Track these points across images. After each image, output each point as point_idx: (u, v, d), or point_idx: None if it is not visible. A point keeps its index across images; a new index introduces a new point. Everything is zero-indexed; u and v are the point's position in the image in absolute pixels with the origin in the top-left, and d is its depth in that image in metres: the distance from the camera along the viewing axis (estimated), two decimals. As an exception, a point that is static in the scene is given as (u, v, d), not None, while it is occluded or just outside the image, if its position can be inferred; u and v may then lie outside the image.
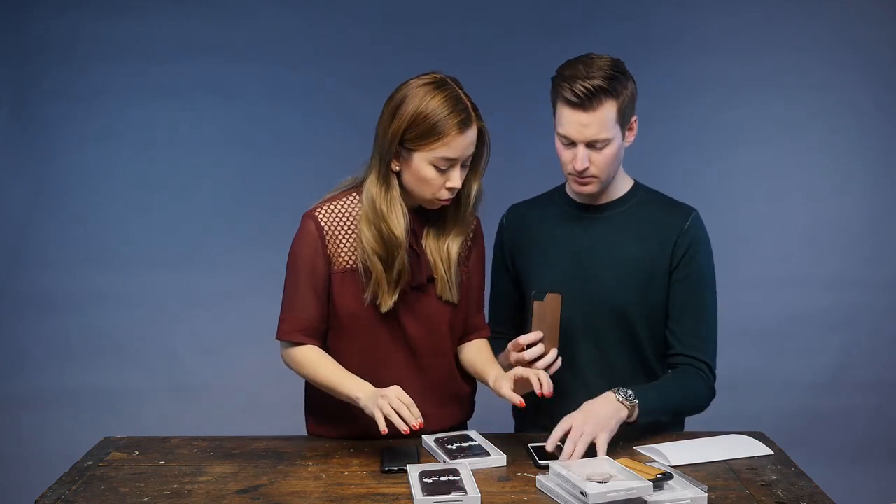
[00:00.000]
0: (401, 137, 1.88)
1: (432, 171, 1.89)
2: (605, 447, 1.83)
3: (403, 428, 1.79)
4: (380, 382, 1.91)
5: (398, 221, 1.93)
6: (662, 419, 2.03)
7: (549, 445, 1.86)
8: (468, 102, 1.90)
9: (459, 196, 1.98)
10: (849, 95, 3.43)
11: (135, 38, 3.42)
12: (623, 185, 2.12)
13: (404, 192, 1.96)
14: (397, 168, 1.93)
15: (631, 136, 2.05)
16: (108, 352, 3.46)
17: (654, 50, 3.38)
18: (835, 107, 3.44)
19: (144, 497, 1.71)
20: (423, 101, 1.86)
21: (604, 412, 1.88)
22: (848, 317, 3.46)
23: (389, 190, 1.93)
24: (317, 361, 1.96)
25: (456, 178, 1.90)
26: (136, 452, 1.95)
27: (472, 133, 1.89)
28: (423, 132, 1.86)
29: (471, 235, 2.08)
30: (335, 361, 1.97)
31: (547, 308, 1.91)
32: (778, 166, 3.46)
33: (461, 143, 1.88)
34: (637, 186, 2.14)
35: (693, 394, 2.05)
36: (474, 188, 1.99)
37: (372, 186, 1.95)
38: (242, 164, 3.48)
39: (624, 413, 1.91)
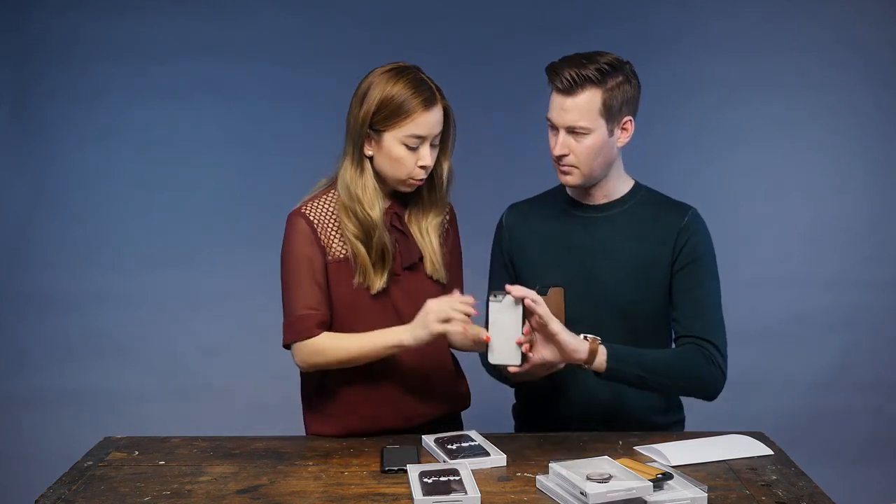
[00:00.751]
0: (370, 121, 1.96)
1: (403, 150, 1.95)
2: (551, 320, 1.83)
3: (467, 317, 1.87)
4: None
5: (372, 203, 1.99)
6: (643, 376, 1.95)
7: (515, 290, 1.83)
8: (431, 83, 1.98)
9: (432, 177, 2.04)
10: (849, 95, 3.42)
11: (135, 38, 3.41)
12: (623, 186, 2.13)
13: (379, 178, 2.01)
14: (370, 153, 1.99)
15: (624, 137, 2.05)
16: (108, 352, 3.45)
17: (654, 50, 3.37)
18: (835, 107, 3.44)
19: (144, 497, 1.71)
20: (388, 85, 1.95)
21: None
22: (848, 317, 3.45)
23: (363, 173, 2.00)
24: (337, 341, 1.98)
25: (427, 156, 1.97)
26: (136, 452, 1.95)
27: (437, 111, 1.97)
28: (390, 113, 1.94)
29: (447, 218, 2.13)
30: (350, 333, 1.98)
31: (551, 302, 1.92)
32: (778, 166, 3.45)
33: (428, 120, 1.95)
34: (637, 187, 2.14)
35: (687, 363, 1.99)
36: (445, 167, 2.05)
37: (346, 173, 2.01)
38: (242, 164, 3.47)
39: (584, 346, 1.88)
